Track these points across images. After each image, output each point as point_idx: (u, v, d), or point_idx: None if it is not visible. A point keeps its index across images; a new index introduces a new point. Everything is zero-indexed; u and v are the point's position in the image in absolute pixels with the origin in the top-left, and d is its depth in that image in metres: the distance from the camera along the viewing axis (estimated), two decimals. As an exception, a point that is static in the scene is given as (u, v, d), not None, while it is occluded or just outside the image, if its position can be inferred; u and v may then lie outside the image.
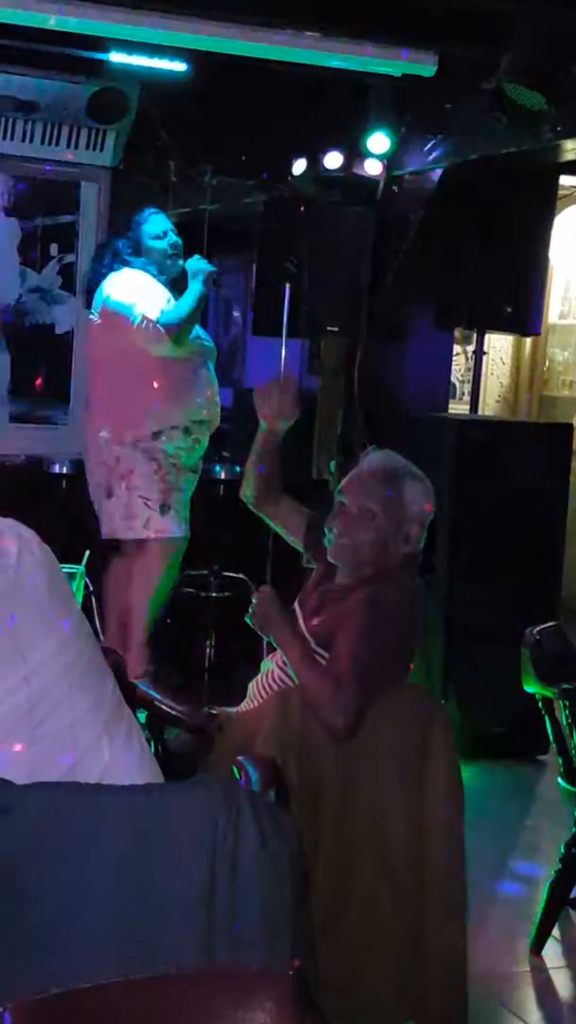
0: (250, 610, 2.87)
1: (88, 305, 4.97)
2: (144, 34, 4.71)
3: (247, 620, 2.88)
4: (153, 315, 4.68)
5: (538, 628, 3.50)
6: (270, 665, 3.01)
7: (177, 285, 4.87)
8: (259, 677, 3.03)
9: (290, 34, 4.67)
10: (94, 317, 4.89)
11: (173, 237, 4.93)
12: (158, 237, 4.89)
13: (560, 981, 3.45)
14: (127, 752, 1.98)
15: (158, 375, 4.78)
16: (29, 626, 1.93)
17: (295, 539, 3.23)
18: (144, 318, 4.68)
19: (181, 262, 4.88)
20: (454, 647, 4.99)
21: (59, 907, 1.67)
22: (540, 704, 3.46)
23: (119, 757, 1.96)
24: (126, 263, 4.84)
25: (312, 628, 2.89)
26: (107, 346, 4.84)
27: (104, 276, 4.85)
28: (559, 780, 3.47)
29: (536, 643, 3.45)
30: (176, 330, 4.69)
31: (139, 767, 2.00)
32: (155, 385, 4.78)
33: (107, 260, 4.88)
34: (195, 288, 4.76)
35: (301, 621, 2.93)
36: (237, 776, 2.02)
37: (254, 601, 2.86)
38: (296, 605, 3.01)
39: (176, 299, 4.81)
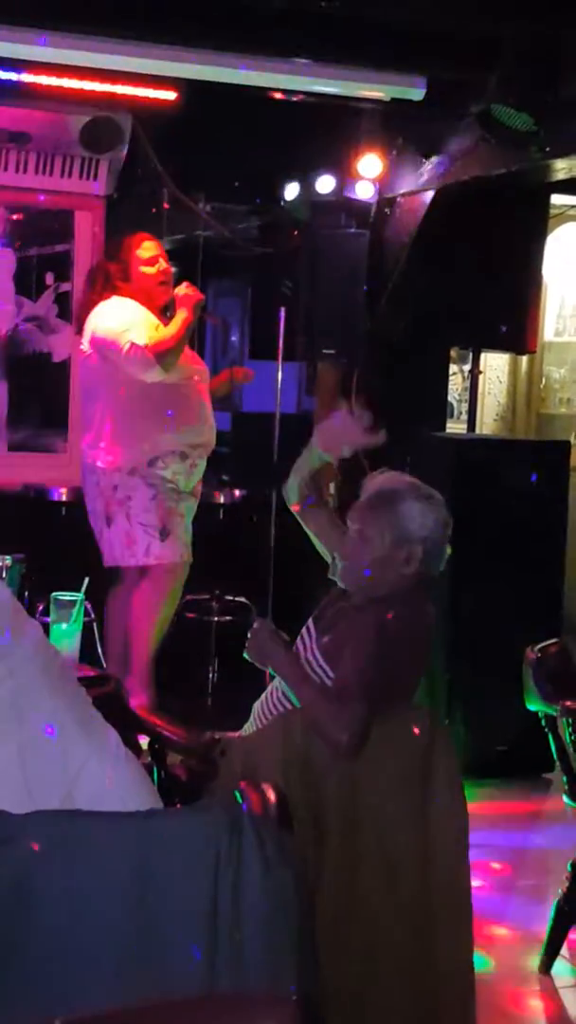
0: (246, 645, 2.88)
1: (79, 331, 4.99)
2: (135, 64, 4.75)
3: (244, 656, 2.89)
4: (141, 342, 4.69)
5: (539, 646, 3.50)
6: (272, 683, 3.01)
7: (168, 313, 4.88)
8: (263, 697, 3.03)
9: (280, 61, 4.71)
10: (84, 346, 4.90)
11: (164, 264, 4.94)
12: (148, 263, 4.91)
13: (569, 1000, 3.43)
14: (104, 749, 2.01)
15: (150, 402, 4.79)
16: (3, 629, 1.98)
17: (326, 552, 3.24)
18: (132, 345, 4.69)
19: (172, 289, 4.89)
20: (457, 666, 4.98)
21: (61, 935, 1.67)
22: (543, 722, 3.46)
23: (101, 754, 1.99)
24: (116, 289, 4.85)
25: (323, 646, 2.89)
26: (98, 374, 4.85)
27: (95, 302, 4.87)
28: (564, 798, 3.46)
29: (538, 661, 3.45)
30: (164, 357, 4.70)
31: (125, 763, 2.02)
32: (148, 412, 4.80)
33: (98, 286, 4.90)
34: (182, 316, 4.77)
35: (314, 638, 2.94)
36: (240, 801, 2.01)
37: (249, 636, 2.88)
38: (310, 622, 3.02)
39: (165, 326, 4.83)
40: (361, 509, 2.94)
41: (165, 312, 4.88)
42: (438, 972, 2.65)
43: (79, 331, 5.01)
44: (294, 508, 3.30)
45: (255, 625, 2.90)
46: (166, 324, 4.83)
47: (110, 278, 4.87)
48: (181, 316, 4.77)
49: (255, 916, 1.70)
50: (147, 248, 4.92)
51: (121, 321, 4.77)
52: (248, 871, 1.73)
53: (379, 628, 2.76)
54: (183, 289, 4.83)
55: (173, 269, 5.00)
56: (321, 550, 3.27)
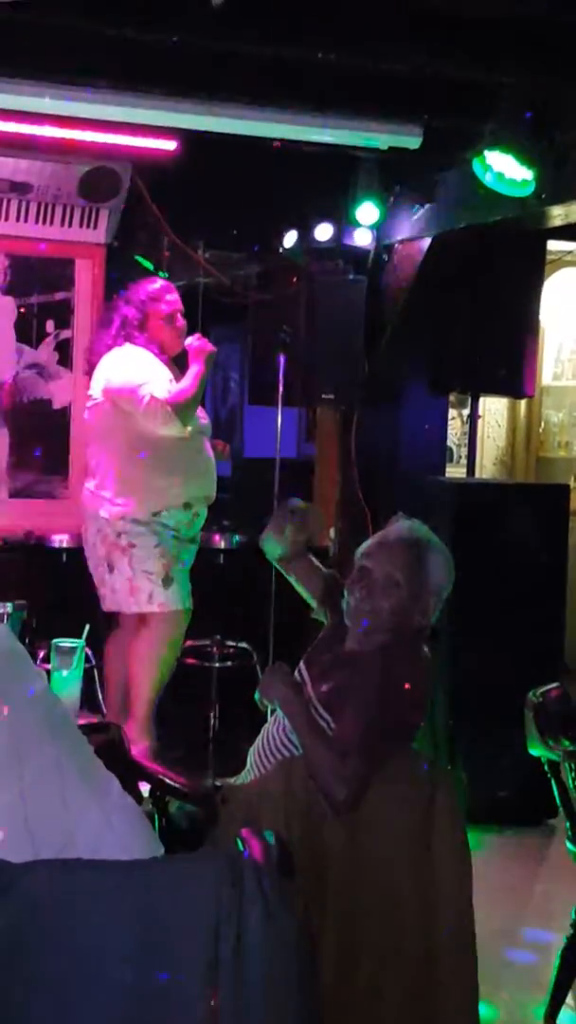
0: (259, 685, 2.89)
1: (89, 373, 4.98)
2: (134, 114, 4.80)
3: (255, 699, 2.90)
4: (160, 395, 4.70)
5: (541, 690, 3.49)
6: (269, 729, 2.99)
7: (177, 362, 4.90)
8: (258, 743, 3.01)
9: (278, 111, 4.76)
10: (95, 393, 4.89)
11: (180, 319, 4.95)
12: (167, 319, 4.91)
13: (575, 1049, 3.40)
14: (105, 797, 2.00)
15: (158, 454, 4.79)
16: (5, 675, 2.00)
17: (309, 595, 3.24)
18: (152, 398, 4.69)
19: (183, 341, 4.90)
20: (459, 711, 4.97)
21: (61, 986, 1.66)
22: (546, 767, 3.44)
23: (102, 802, 1.98)
24: (130, 338, 4.85)
25: (320, 694, 2.88)
26: (108, 422, 4.84)
27: (108, 345, 4.86)
28: (567, 844, 3.44)
29: (539, 705, 3.43)
30: (182, 411, 4.71)
31: (126, 810, 2.02)
32: (156, 464, 4.79)
33: (114, 330, 4.88)
34: (197, 368, 4.77)
35: (308, 682, 2.93)
36: (241, 848, 2.00)
37: (263, 676, 2.89)
38: (302, 665, 3.01)
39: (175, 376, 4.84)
40: (388, 551, 2.92)
41: (175, 361, 4.90)
42: (443, 1021, 2.62)
43: (88, 372, 4.99)
44: (274, 560, 3.30)
45: (271, 668, 2.92)
46: (175, 373, 4.84)
47: (126, 324, 4.86)
48: (195, 370, 4.77)
49: (257, 964, 1.69)
50: (167, 303, 4.92)
51: (139, 374, 4.76)
52: (250, 919, 1.72)
53: (382, 681, 2.76)
54: (194, 341, 4.84)
55: (186, 322, 5.00)
56: (302, 593, 3.27)
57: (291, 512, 3.25)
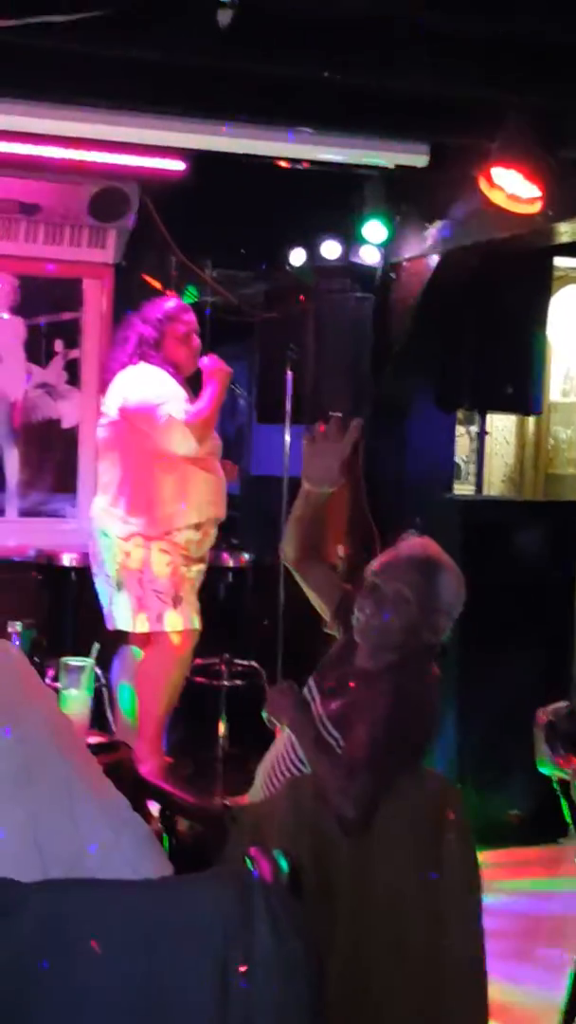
0: (266, 701, 2.89)
1: (102, 390, 4.98)
2: (142, 135, 4.82)
3: (263, 715, 2.89)
4: (178, 415, 4.70)
5: (550, 708, 3.48)
6: (278, 747, 2.99)
7: (190, 382, 4.91)
8: (267, 762, 3.01)
9: (285, 130, 4.78)
10: (111, 411, 4.89)
11: (195, 339, 4.95)
12: (183, 340, 4.91)
13: (588, 1070, 3.37)
14: (115, 816, 2.00)
15: (171, 473, 4.79)
16: (16, 694, 1.99)
17: (323, 607, 3.23)
18: (170, 418, 4.69)
19: (197, 362, 4.91)
20: (468, 731, 4.95)
21: (68, 1006, 1.65)
22: (556, 785, 3.42)
23: (112, 821, 1.98)
24: (146, 356, 4.86)
25: (330, 711, 2.88)
26: (122, 441, 4.84)
27: (123, 366, 4.87)
28: (578, 862, 3.43)
29: (549, 724, 3.42)
30: (199, 431, 4.71)
31: (135, 830, 2.01)
32: (168, 483, 4.80)
33: (130, 349, 4.89)
34: (213, 389, 4.78)
35: (317, 699, 2.93)
36: (250, 868, 2.00)
37: (271, 692, 2.89)
38: (311, 682, 3.01)
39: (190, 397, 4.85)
40: (399, 569, 2.92)
41: (189, 382, 4.90)
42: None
43: (102, 390, 4.99)
44: (291, 564, 3.30)
45: (277, 686, 2.92)
46: (188, 393, 4.85)
47: (142, 343, 4.86)
48: (211, 390, 4.78)
49: (266, 987, 1.68)
50: (184, 323, 4.93)
51: (157, 393, 4.76)
52: (259, 940, 1.71)
53: (393, 701, 2.75)
54: (211, 362, 4.84)
55: (200, 343, 5.01)
56: (317, 604, 3.27)
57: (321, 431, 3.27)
